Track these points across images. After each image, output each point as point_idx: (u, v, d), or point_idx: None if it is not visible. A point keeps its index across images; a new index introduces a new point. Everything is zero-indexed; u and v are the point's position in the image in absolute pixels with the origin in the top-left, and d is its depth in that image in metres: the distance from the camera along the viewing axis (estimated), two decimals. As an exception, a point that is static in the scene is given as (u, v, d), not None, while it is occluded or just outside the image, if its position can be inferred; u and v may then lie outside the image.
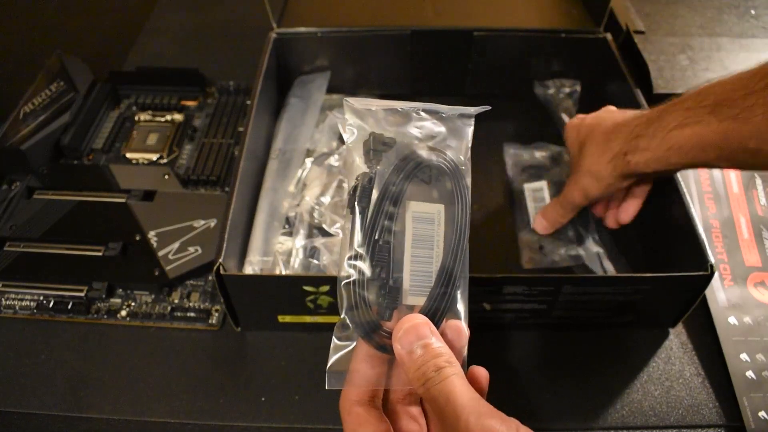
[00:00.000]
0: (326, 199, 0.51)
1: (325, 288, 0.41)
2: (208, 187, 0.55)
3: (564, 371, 0.44)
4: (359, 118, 0.29)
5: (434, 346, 0.25)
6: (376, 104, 0.29)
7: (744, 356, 0.43)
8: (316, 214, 0.50)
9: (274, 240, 0.49)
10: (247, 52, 0.59)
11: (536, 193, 0.53)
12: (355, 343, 0.27)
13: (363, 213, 0.28)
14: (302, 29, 0.58)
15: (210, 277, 0.48)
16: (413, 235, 0.28)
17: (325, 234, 0.49)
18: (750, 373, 0.42)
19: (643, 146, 0.40)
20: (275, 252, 0.48)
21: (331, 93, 0.62)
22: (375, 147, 0.28)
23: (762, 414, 0.40)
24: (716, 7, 0.71)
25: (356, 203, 0.28)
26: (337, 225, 0.49)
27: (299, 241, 0.48)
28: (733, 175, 0.53)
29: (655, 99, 0.50)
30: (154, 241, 0.49)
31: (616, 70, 0.55)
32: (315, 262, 0.47)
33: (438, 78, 0.63)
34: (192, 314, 0.46)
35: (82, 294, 0.47)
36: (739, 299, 0.46)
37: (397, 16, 0.61)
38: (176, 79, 0.64)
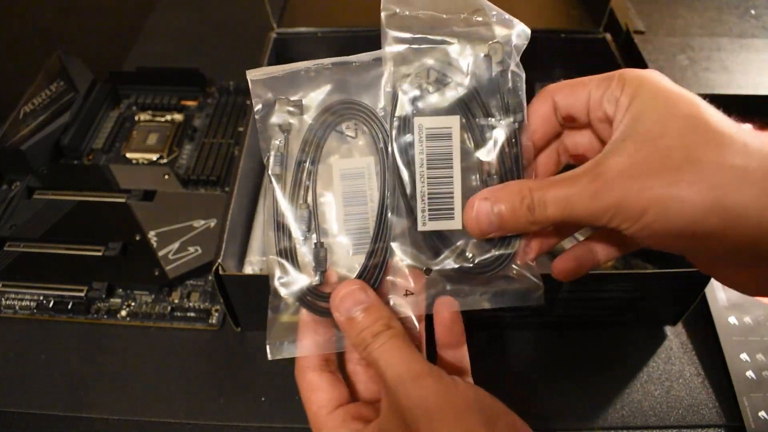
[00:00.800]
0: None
1: (325, 288, 0.40)
2: (208, 187, 0.55)
3: (564, 371, 0.44)
4: (268, 89, 0.28)
5: (372, 311, 0.25)
6: (281, 69, 0.28)
7: (744, 356, 0.43)
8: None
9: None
10: (247, 52, 0.59)
11: (437, 138, 0.28)
12: (290, 311, 0.27)
13: (279, 180, 0.27)
14: (302, 29, 0.58)
15: (210, 277, 0.48)
16: (343, 192, 0.27)
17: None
18: (750, 373, 0.42)
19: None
20: (275, 252, 0.48)
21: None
22: (281, 111, 0.27)
23: (762, 414, 0.40)
24: (716, 7, 0.71)
25: (269, 172, 0.27)
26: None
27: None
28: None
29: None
30: (154, 241, 0.49)
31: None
32: None
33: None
34: (192, 314, 0.46)
35: (82, 294, 0.47)
36: (739, 299, 0.46)
37: (397, 16, 0.61)
38: (176, 79, 0.64)
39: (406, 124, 0.27)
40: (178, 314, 0.46)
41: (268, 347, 0.27)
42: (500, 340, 0.45)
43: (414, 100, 0.27)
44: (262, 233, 0.48)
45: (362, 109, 0.28)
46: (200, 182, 0.55)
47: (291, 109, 0.28)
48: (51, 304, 0.47)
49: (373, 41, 0.63)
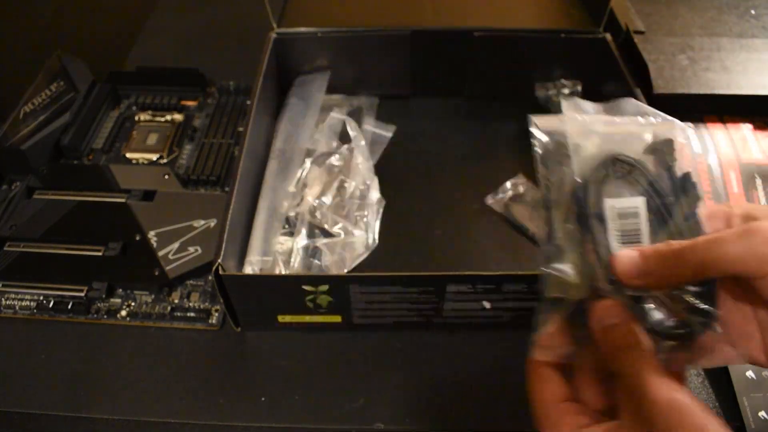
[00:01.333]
0: (327, 200, 0.51)
1: (324, 287, 0.41)
2: (208, 187, 0.55)
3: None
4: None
5: (629, 324, 0.26)
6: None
7: (744, 356, 0.43)
8: (318, 215, 0.50)
9: (274, 240, 0.49)
10: (247, 52, 0.59)
11: (626, 216, 0.30)
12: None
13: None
14: (302, 29, 0.58)
15: (210, 277, 0.48)
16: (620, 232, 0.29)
17: (327, 234, 0.49)
18: (750, 374, 0.42)
19: None
20: (275, 252, 0.48)
21: (331, 93, 0.62)
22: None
23: (762, 414, 0.40)
24: (716, 7, 0.71)
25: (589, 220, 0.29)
26: (339, 225, 0.49)
27: (301, 241, 0.48)
28: (733, 174, 0.53)
29: (655, 99, 0.50)
30: (154, 241, 0.49)
31: (616, 71, 0.55)
32: (317, 262, 0.47)
33: (438, 78, 0.63)
34: (192, 314, 0.46)
35: (82, 294, 0.47)
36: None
37: (397, 16, 0.61)
38: (176, 79, 0.64)
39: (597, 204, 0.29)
40: (178, 314, 0.46)
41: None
42: (500, 340, 0.45)
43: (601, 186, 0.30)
44: (262, 233, 0.49)
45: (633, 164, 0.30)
46: (200, 182, 0.55)
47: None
48: (51, 304, 0.47)
49: (373, 41, 0.63)
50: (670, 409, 0.23)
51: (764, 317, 0.28)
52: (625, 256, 0.27)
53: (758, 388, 0.41)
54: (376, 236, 0.50)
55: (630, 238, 0.29)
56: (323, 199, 0.51)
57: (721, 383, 0.42)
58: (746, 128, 0.56)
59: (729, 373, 0.42)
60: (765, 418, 0.40)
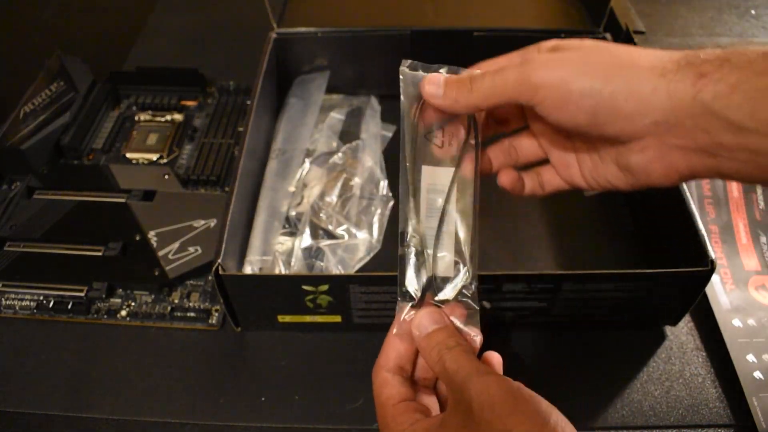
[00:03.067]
0: (332, 199, 0.51)
1: (324, 287, 0.41)
2: (208, 187, 0.55)
3: (564, 371, 0.44)
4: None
5: (446, 329, 0.30)
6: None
7: (750, 357, 0.43)
8: (322, 215, 0.50)
9: (274, 240, 0.49)
10: (247, 52, 0.59)
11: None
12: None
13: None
14: (302, 29, 0.58)
15: (210, 277, 0.48)
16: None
17: (330, 236, 0.49)
18: (758, 374, 0.42)
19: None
20: (275, 252, 0.48)
21: (331, 93, 0.62)
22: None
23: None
24: (716, 7, 0.71)
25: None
26: (343, 227, 0.49)
27: (304, 241, 0.48)
28: (734, 177, 0.53)
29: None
30: (154, 241, 0.49)
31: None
32: (319, 263, 0.47)
33: (438, 78, 0.63)
34: (192, 314, 0.46)
35: (82, 294, 0.47)
36: (741, 302, 0.46)
37: (397, 16, 0.62)
38: (176, 79, 0.64)
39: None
40: (178, 314, 0.46)
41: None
42: (500, 340, 0.45)
43: None
44: (262, 233, 0.49)
45: None
46: (200, 182, 0.55)
47: None
48: (51, 304, 0.47)
49: (373, 41, 0.63)
50: (487, 396, 0.25)
51: (579, 146, 0.32)
52: (432, 79, 0.31)
53: (767, 388, 0.41)
54: (380, 238, 0.50)
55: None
56: (327, 199, 0.51)
57: (728, 384, 0.42)
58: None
59: (736, 373, 0.42)
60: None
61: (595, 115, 0.27)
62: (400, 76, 0.32)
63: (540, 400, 0.26)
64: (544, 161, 0.35)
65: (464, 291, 0.31)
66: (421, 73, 0.32)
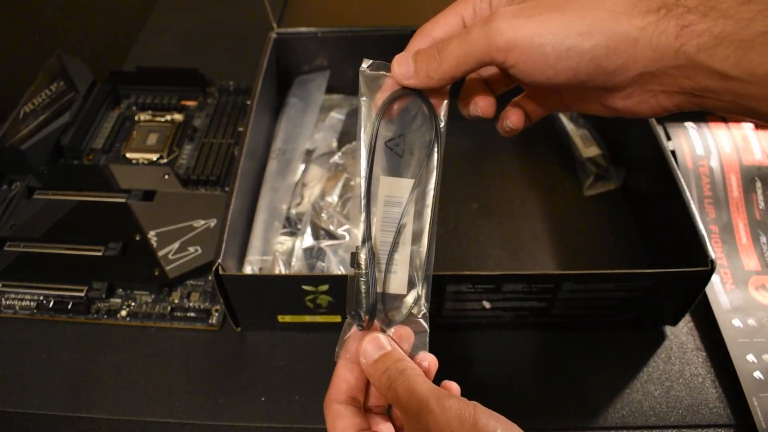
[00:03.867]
0: (333, 199, 0.51)
1: (324, 287, 0.41)
2: (208, 187, 0.55)
3: (564, 371, 0.44)
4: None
5: (394, 353, 0.28)
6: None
7: (750, 357, 0.43)
8: (324, 215, 0.50)
9: (274, 240, 0.49)
10: (247, 52, 0.59)
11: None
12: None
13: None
14: (302, 29, 0.58)
15: (210, 277, 0.48)
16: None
17: (331, 236, 0.49)
18: (758, 374, 0.42)
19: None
20: (275, 252, 0.48)
21: (331, 93, 0.62)
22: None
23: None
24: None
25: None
26: (345, 227, 0.49)
27: (305, 241, 0.48)
28: (734, 177, 0.53)
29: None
30: (154, 241, 0.49)
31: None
32: (320, 264, 0.47)
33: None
34: (192, 314, 0.46)
35: (82, 294, 0.47)
36: (741, 302, 0.46)
37: (397, 16, 0.62)
38: (176, 79, 0.64)
39: None
40: (178, 314, 0.46)
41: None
42: (500, 340, 0.45)
43: None
44: (262, 233, 0.48)
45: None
46: (200, 182, 0.55)
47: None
48: (51, 304, 0.47)
49: (373, 41, 0.63)
50: (448, 422, 0.24)
51: (562, 91, 0.31)
52: (401, 57, 0.30)
53: (767, 388, 0.41)
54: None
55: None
56: (328, 199, 0.51)
57: (728, 384, 0.42)
58: (748, 127, 0.56)
59: (735, 373, 0.42)
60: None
61: (575, 74, 0.26)
62: (360, 78, 0.30)
63: (499, 420, 0.25)
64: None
65: (414, 311, 0.30)
66: (382, 73, 0.30)
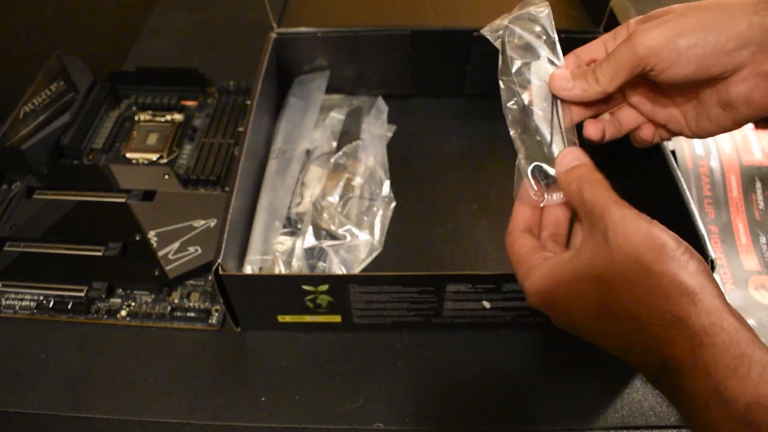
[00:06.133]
0: (334, 199, 0.51)
1: (324, 287, 0.41)
2: (208, 187, 0.55)
3: (564, 371, 0.44)
4: None
5: (587, 165, 0.32)
6: None
7: (749, 357, 0.43)
8: (325, 215, 0.50)
9: (274, 240, 0.49)
10: (247, 52, 0.59)
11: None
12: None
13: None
14: (302, 29, 0.58)
15: (210, 277, 0.48)
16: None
17: (332, 237, 0.49)
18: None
19: None
20: (275, 252, 0.48)
21: (331, 93, 0.62)
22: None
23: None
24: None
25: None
26: (346, 227, 0.49)
27: (307, 241, 0.48)
28: (734, 178, 0.53)
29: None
30: (154, 241, 0.49)
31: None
32: (321, 264, 0.47)
33: (438, 78, 0.63)
34: (192, 314, 0.46)
35: (82, 294, 0.47)
36: (741, 302, 0.46)
37: (397, 16, 0.61)
38: (176, 79, 0.64)
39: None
40: (178, 314, 0.46)
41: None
42: (500, 341, 0.45)
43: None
44: (262, 233, 0.48)
45: None
46: (200, 182, 0.55)
47: None
48: (51, 304, 0.47)
49: (373, 41, 0.63)
50: (624, 224, 0.28)
51: (680, 100, 0.37)
52: (561, 76, 0.36)
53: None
54: (382, 239, 0.50)
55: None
56: (329, 198, 0.51)
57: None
58: (748, 128, 0.56)
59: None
60: None
61: (703, 61, 0.31)
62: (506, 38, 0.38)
63: (670, 234, 0.27)
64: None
65: None
66: (545, 58, 0.37)
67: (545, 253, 0.32)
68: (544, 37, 0.38)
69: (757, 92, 0.32)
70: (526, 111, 0.36)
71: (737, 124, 0.35)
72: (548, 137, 0.35)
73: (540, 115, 0.35)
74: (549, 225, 0.34)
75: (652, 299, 0.26)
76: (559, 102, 0.36)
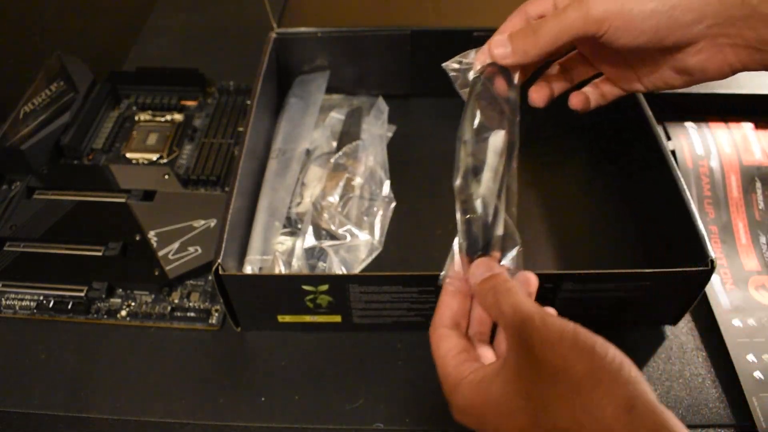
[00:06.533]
0: (334, 199, 0.51)
1: (324, 287, 0.41)
2: (208, 187, 0.55)
3: (564, 371, 0.44)
4: None
5: (501, 274, 0.31)
6: None
7: (751, 357, 0.43)
8: (325, 215, 0.50)
9: (274, 240, 0.49)
10: (247, 52, 0.59)
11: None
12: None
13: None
14: (302, 29, 0.58)
15: (210, 277, 0.48)
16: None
17: (332, 237, 0.49)
18: (758, 374, 0.42)
19: None
20: (275, 252, 0.48)
21: (331, 93, 0.62)
22: None
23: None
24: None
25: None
26: (346, 227, 0.49)
27: (307, 242, 0.48)
28: (734, 178, 0.53)
29: (654, 98, 0.50)
30: (154, 241, 0.49)
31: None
32: (321, 264, 0.47)
33: (438, 78, 0.63)
34: (192, 314, 0.46)
35: (82, 294, 0.47)
36: (741, 302, 0.46)
37: (397, 16, 0.62)
38: (176, 79, 0.64)
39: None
40: (178, 314, 0.46)
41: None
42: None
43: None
44: (262, 233, 0.48)
45: None
46: (200, 182, 0.55)
47: None
48: (51, 304, 0.47)
49: (373, 41, 0.63)
50: (549, 334, 0.26)
51: (636, 62, 0.36)
52: (498, 40, 0.35)
53: (767, 388, 0.41)
54: (382, 240, 0.50)
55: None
56: (329, 198, 0.51)
57: (728, 384, 0.42)
58: (748, 127, 0.56)
59: (735, 373, 0.42)
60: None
61: (657, 32, 0.31)
62: (451, 73, 0.37)
63: (597, 337, 0.26)
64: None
65: (508, 254, 0.33)
66: (472, 54, 0.37)
67: (472, 364, 0.30)
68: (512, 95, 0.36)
69: (713, 62, 0.32)
70: (474, 182, 0.35)
71: (690, 85, 0.36)
72: (490, 218, 0.33)
73: (487, 191, 0.34)
74: (474, 323, 0.33)
75: (587, 415, 0.24)
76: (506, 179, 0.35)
